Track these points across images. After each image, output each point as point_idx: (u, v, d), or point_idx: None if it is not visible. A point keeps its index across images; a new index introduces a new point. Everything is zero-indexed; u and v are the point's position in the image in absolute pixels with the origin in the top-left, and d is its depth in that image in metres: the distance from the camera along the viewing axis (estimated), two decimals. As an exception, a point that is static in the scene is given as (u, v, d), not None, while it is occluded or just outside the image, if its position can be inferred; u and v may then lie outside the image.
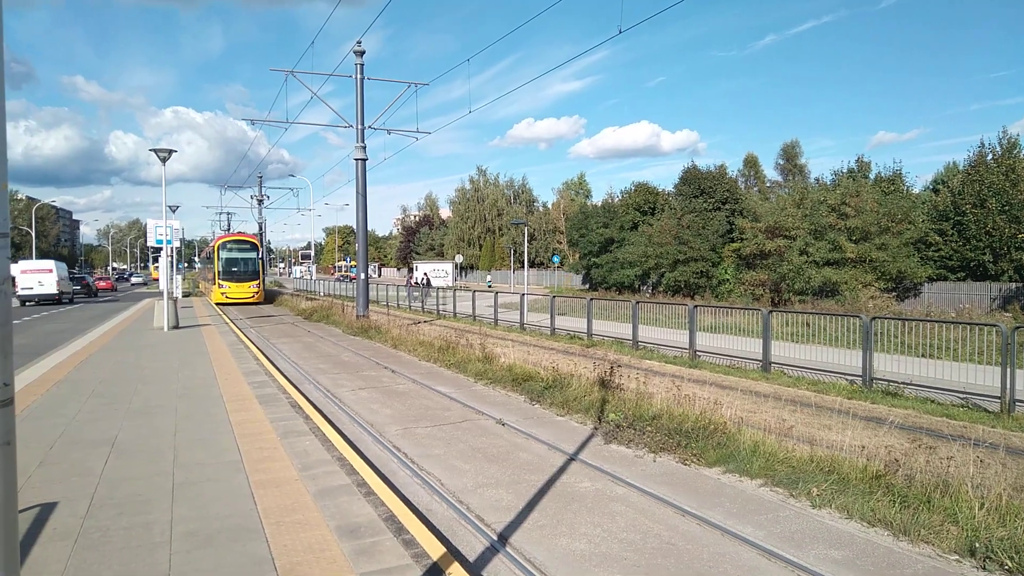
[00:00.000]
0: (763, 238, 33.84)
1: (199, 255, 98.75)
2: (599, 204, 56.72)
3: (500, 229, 78.75)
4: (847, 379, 11.30)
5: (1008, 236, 27.58)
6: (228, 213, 55.91)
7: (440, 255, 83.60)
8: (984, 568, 4.41)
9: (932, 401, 9.97)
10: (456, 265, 70.44)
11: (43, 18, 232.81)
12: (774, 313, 13.90)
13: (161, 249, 23.31)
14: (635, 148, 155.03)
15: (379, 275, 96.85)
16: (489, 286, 55.55)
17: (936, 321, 12.44)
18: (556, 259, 60.51)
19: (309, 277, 64.78)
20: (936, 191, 38.17)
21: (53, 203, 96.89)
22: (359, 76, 21.69)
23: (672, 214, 41.58)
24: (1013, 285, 27.27)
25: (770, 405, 8.87)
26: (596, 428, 8.11)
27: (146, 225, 23.34)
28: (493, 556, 4.65)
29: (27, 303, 35.98)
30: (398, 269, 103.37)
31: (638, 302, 17.19)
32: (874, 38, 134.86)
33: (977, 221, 28.63)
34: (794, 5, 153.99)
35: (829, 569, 4.40)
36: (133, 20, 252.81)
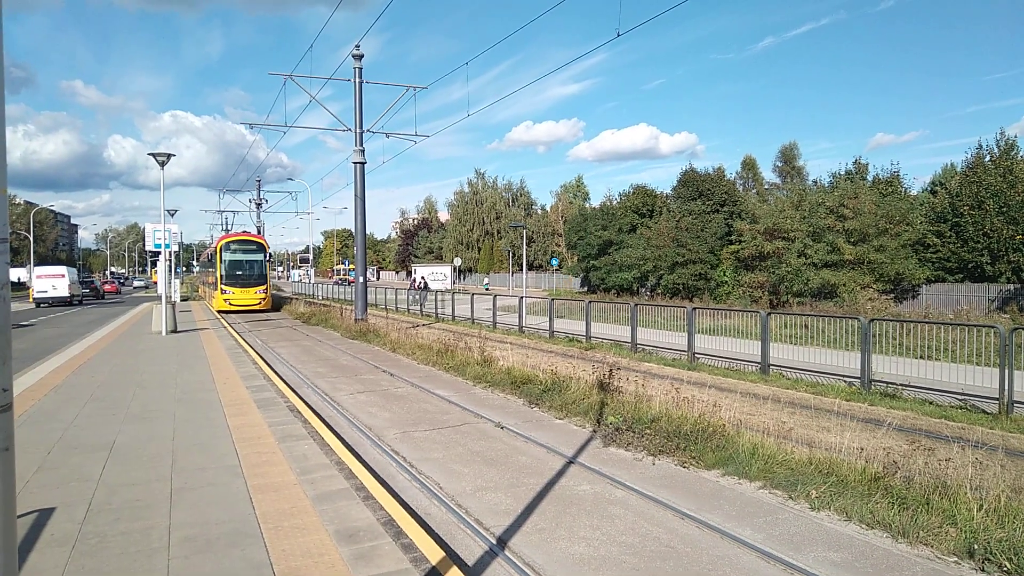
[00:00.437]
0: (762, 240, 33.89)
1: (197, 259, 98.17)
2: (597, 207, 56.78)
3: (498, 232, 78.80)
4: (846, 381, 11.30)
5: (1006, 237, 27.62)
6: (229, 212, 52.91)
7: (439, 258, 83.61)
8: (983, 570, 4.41)
9: (930, 403, 9.98)
10: (455, 268, 70.45)
11: (43, 23, 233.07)
12: (772, 315, 13.92)
13: (159, 253, 23.30)
14: (634, 151, 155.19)
15: (377, 278, 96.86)
16: (486, 289, 55.57)
17: (934, 323, 12.45)
18: (555, 262, 60.55)
19: (307, 281, 64.77)
20: (934, 193, 38.24)
21: (51, 207, 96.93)
22: (358, 80, 21.72)
23: (670, 216, 41.67)
24: (1011, 286, 27.30)
25: (769, 407, 8.87)
26: (595, 431, 8.10)
27: (144, 229, 23.32)
28: (492, 560, 4.64)
29: (42, 304, 39.10)
30: (396, 272, 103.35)
31: (636, 305, 17.20)
32: (872, 40, 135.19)
33: (975, 223, 28.67)
34: (792, 8, 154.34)
35: (828, 571, 4.40)
36: (132, 25, 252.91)
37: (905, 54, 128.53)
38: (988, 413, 9.31)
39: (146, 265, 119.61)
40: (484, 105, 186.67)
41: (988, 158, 30.25)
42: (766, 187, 53.23)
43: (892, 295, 29.58)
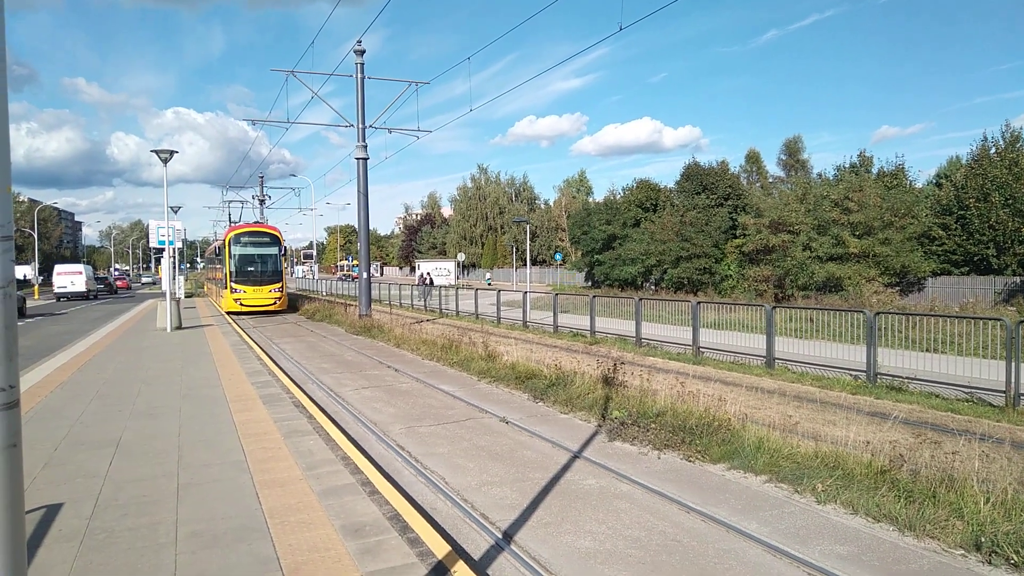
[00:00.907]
0: (767, 234, 33.79)
1: (202, 255, 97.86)
2: (601, 201, 56.70)
3: (502, 227, 78.80)
4: (851, 374, 11.28)
5: (1012, 230, 27.51)
6: (235, 204, 47.66)
7: (442, 253, 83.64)
8: (990, 563, 4.39)
9: (937, 396, 9.95)
10: (458, 263, 70.44)
11: (45, 21, 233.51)
12: (777, 309, 13.88)
13: (163, 250, 23.34)
14: (637, 145, 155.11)
15: (381, 274, 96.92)
16: (489, 284, 55.54)
17: (940, 316, 12.42)
18: (559, 257, 60.48)
19: (311, 277, 64.81)
20: (939, 185, 38.05)
21: (55, 205, 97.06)
22: (359, 75, 21.68)
23: (674, 211, 41.57)
24: (1017, 279, 27.19)
25: (774, 401, 8.86)
26: (600, 425, 8.10)
27: (148, 226, 23.33)
28: (498, 554, 4.65)
29: (62, 299, 43.56)
30: (400, 268, 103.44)
31: (641, 299, 17.17)
32: (877, 32, 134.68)
33: (980, 215, 28.56)
34: (796, 1, 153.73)
35: (835, 565, 4.39)
36: (134, 22, 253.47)
37: (910, 46, 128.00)
38: (994, 406, 9.27)
39: (150, 262, 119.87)
40: (487, 100, 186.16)
41: (993, 150, 30.12)
42: (770, 180, 53.01)
43: (897, 288, 29.51)
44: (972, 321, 11.52)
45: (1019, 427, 8.24)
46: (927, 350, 11.26)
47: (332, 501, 5.18)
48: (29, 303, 39.91)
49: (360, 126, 21.99)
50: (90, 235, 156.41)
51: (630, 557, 4.54)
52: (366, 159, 22.02)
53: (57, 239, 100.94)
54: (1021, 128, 31.55)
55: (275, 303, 27.99)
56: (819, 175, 43.53)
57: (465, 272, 76.80)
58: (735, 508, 5.42)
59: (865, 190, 30.72)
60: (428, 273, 50.39)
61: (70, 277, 44.04)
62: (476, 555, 4.63)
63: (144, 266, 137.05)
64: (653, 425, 7.45)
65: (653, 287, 42.39)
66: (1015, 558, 4.32)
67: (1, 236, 1.83)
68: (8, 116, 1.90)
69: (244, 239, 28.35)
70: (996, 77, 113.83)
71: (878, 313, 11.67)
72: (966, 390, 9.89)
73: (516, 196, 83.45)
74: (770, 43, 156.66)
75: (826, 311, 14.29)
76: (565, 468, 6.55)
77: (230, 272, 27.54)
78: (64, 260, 78.16)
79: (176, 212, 30.36)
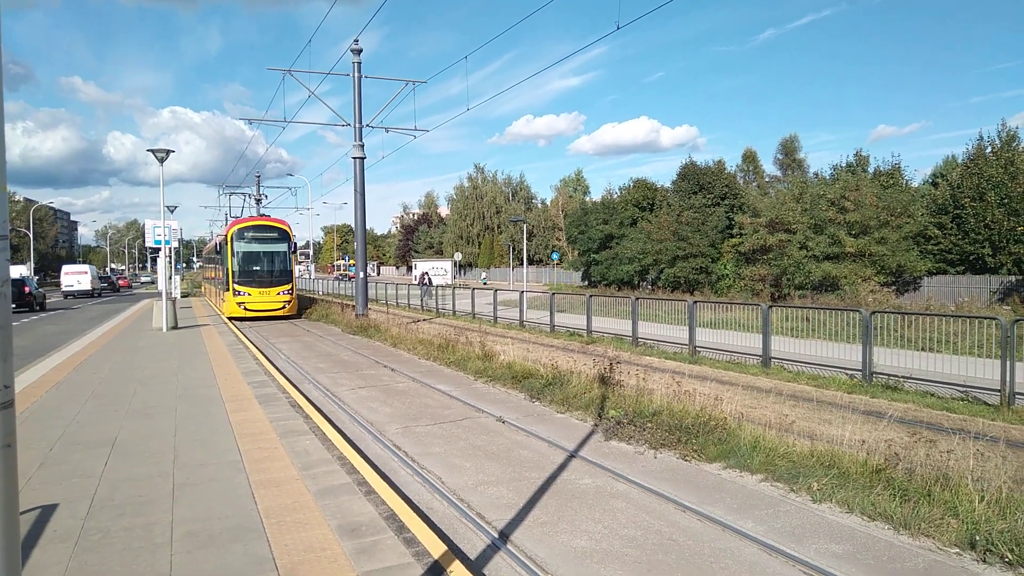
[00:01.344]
0: (764, 233, 33.84)
1: (198, 255, 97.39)
2: (598, 201, 56.76)
3: (499, 227, 78.82)
4: (847, 373, 11.30)
5: (1007, 229, 27.57)
6: (241, 193, 44.87)
7: (439, 253, 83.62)
8: (985, 561, 4.41)
9: (932, 395, 9.98)
10: (455, 263, 70.43)
11: (41, 19, 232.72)
12: (774, 308, 13.91)
13: (159, 250, 23.28)
14: (635, 144, 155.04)
15: (378, 274, 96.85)
16: (484, 283, 55.56)
17: (936, 315, 12.45)
18: (555, 256, 60.53)
19: (308, 276, 64.75)
20: (935, 185, 38.16)
21: (51, 204, 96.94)
22: (356, 74, 21.66)
23: (671, 210, 41.60)
24: (1012, 278, 27.25)
25: (770, 400, 8.87)
26: (596, 425, 8.11)
27: (144, 225, 23.27)
28: (494, 554, 4.65)
29: (69, 296, 47.37)
30: (397, 268, 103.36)
31: (637, 298, 17.18)
32: (874, 32, 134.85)
33: (976, 214, 28.62)
34: (793, 0, 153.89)
35: (830, 563, 4.40)
36: (131, 21, 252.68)
37: (907, 45, 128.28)
38: (990, 405, 9.30)
39: (146, 262, 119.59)
40: (484, 99, 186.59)
41: (989, 149, 30.16)
42: (767, 180, 53.13)
43: (893, 287, 29.55)
44: (967, 320, 11.55)
45: (1014, 426, 8.26)
46: (923, 349, 11.29)
47: (328, 501, 5.18)
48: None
49: (357, 125, 21.96)
50: (86, 235, 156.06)
51: (626, 556, 4.55)
52: (363, 158, 22.00)
53: (53, 239, 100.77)
54: (1017, 127, 31.71)
55: (284, 307, 24.95)
56: (816, 174, 43.56)
57: (462, 272, 76.79)
58: (731, 507, 5.43)
59: (861, 189, 30.76)
60: (427, 273, 50.39)
61: (76, 276, 48.52)
62: (472, 555, 4.63)
63: (140, 266, 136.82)
64: (649, 424, 7.46)
65: (650, 286, 42.43)
66: (1010, 556, 4.34)
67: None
68: (4, 116, 1.90)
69: (249, 234, 25.07)
70: (992, 76, 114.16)
71: (874, 312, 11.70)
72: (961, 389, 9.92)
73: (513, 195, 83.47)
74: (767, 42, 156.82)
75: (822, 310, 14.31)
76: (561, 467, 6.55)
77: (232, 272, 24.37)
78: (60, 260, 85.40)
79: (172, 211, 30.04)
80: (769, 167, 55.43)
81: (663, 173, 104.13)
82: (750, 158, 55.01)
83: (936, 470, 5.45)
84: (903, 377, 10.53)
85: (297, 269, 31.62)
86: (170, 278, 24.96)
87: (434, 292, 30.43)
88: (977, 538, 4.55)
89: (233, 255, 24.48)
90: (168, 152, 19.00)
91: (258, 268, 24.88)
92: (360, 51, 21.52)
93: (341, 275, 69.97)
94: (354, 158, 21.93)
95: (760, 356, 12.79)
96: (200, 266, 73.51)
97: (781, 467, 6.11)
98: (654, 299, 19.38)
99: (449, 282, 51.36)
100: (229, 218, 45.26)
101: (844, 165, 38.08)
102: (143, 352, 14.81)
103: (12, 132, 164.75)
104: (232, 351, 14.68)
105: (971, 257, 29.11)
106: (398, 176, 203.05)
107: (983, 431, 7.30)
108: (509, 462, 6.77)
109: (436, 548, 4.28)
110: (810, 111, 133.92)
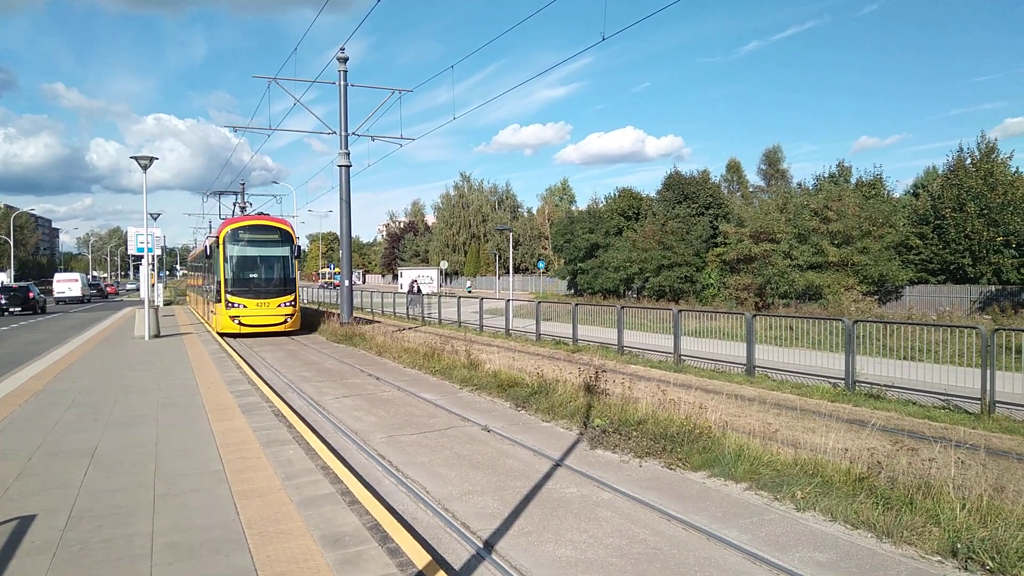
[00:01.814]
0: (748, 243, 34.09)
1: (182, 263, 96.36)
2: (584, 210, 56.92)
3: (485, 235, 78.87)
4: (830, 382, 11.38)
5: (987, 239, 27.98)
6: (231, 193, 40.60)
7: (425, 261, 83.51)
8: (966, 568, 4.44)
9: (914, 403, 10.07)
10: (441, 271, 70.30)
11: (24, 25, 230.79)
12: (758, 317, 14.00)
13: (142, 257, 23.07)
14: (620, 154, 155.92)
15: (363, 282, 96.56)
16: (469, 291, 55.49)
17: (917, 324, 12.57)
18: (541, 265, 60.57)
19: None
20: (916, 195, 38.67)
21: (32, 211, 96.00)
22: (343, 83, 21.65)
23: (656, 220, 41.82)
24: (992, 288, 27.64)
25: (755, 409, 8.92)
26: (582, 434, 8.10)
27: (127, 233, 23.04)
28: (479, 564, 4.63)
29: (60, 302, 50.97)
30: (383, 276, 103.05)
31: (623, 307, 17.24)
32: (856, 44, 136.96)
33: (956, 225, 29.02)
34: (777, 12, 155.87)
35: (813, 572, 4.42)
36: (115, 27, 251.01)
37: (888, 58, 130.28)
38: (970, 413, 9.40)
39: (128, 269, 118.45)
40: (470, 108, 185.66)
41: (969, 161, 30.65)
42: (751, 190, 53.53)
43: (876, 296, 29.86)
44: (948, 329, 11.68)
45: (994, 434, 8.36)
46: (905, 358, 11.40)
47: (311, 511, 5.13)
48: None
49: (343, 133, 21.94)
50: (67, 242, 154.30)
51: (611, 566, 4.54)
52: (349, 166, 21.96)
53: (33, 246, 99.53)
54: (996, 139, 32.21)
55: (285, 322, 21.33)
56: (799, 185, 44.02)
57: (448, 280, 76.67)
58: (715, 516, 5.44)
59: (844, 200, 31.10)
60: (415, 281, 50.26)
61: (67, 284, 52.95)
62: (457, 565, 4.60)
63: (123, 273, 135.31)
64: (634, 433, 7.47)
65: (635, 295, 42.58)
66: (990, 564, 4.37)
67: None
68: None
69: (245, 235, 21.41)
70: (972, 89, 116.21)
71: (856, 321, 11.80)
72: (942, 398, 10.02)
73: (499, 204, 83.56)
74: (752, 54, 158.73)
75: (806, 319, 14.43)
76: (547, 476, 6.54)
77: (225, 280, 20.80)
78: (41, 267, 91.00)
79: (156, 219, 29.44)
80: (753, 177, 55.91)
81: (648, 183, 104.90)
82: (734, 168, 55.44)
83: (918, 478, 5.50)
84: (885, 386, 10.62)
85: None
86: (153, 286, 24.72)
87: (422, 301, 30.32)
88: (958, 546, 4.58)
89: (226, 260, 20.91)
90: (151, 159, 18.83)
91: (255, 276, 21.39)
92: (346, 59, 21.53)
93: (326, 283, 69.63)
94: (340, 166, 21.89)
95: (744, 365, 12.86)
96: (184, 274, 72.84)
97: (765, 476, 6.13)
98: (640, 308, 19.46)
99: (435, 290, 51.23)
100: (213, 224, 41.46)
101: (827, 175, 38.52)
102: (125, 361, 14.64)
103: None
104: (215, 359, 14.55)
105: (952, 267, 29.49)
106: (384, 184, 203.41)
107: (964, 439, 7.38)
108: (494, 471, 6.75)
109: (420, 558, 4.26)
110: (793, 122, 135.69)
